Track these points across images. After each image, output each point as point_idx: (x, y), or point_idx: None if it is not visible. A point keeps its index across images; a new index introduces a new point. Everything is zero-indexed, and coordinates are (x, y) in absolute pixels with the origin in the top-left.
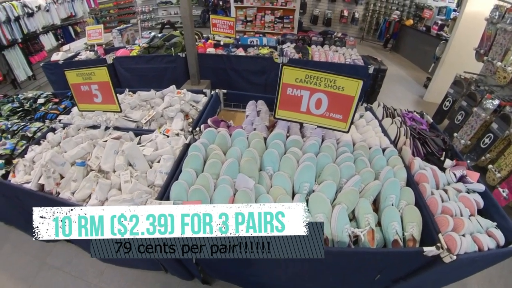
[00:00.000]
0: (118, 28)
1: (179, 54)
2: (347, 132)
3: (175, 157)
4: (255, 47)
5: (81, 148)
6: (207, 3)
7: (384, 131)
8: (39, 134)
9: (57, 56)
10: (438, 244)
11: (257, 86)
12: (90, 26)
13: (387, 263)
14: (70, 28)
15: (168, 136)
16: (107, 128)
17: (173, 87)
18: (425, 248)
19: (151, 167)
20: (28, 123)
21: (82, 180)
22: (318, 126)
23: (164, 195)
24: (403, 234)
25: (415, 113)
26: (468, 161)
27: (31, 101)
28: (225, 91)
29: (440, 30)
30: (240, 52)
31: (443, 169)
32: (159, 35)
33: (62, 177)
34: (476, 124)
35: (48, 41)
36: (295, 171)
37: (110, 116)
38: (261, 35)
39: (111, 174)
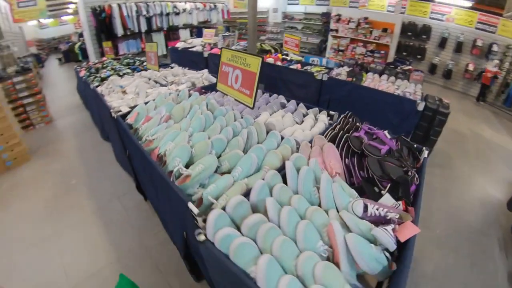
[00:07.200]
0: (223, 34)
1: None
2: (252, 108)
3: None
4: (312, 66)
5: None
6: (326, 34)
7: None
8: (126, 75)
9: (179, 44)
10: None
11: (298, 98)
12: (207, 29)
13: None
14: (203, 29)
15: None
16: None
17: None
18: None
19: None
20: (124, 68)
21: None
22: (235, 99)
23: None
24: None
25: (386, 132)
26: None
27: (140, 61)
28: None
29: None
30: (298, 68)
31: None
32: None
33: None
34: None
35: (184, 34)
36: None
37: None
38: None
39: None
